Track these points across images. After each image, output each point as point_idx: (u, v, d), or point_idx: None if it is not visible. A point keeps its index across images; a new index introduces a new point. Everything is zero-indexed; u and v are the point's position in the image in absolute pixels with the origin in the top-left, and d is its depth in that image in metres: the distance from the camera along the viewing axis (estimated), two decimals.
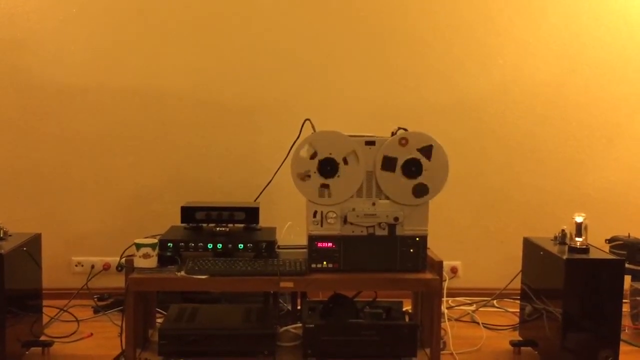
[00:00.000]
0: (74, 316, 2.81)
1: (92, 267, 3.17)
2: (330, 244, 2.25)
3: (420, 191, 2.23)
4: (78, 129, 3.15)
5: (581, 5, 3.24)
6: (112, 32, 3.13)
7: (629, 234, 2.94)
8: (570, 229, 2.38)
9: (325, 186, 2.22)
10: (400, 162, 2.22)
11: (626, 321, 2.66)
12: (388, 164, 2.23)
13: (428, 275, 2.24)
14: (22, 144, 3.14)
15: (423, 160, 2.22)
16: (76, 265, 3.19)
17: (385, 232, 2.25)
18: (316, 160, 2.21)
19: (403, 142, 2.22)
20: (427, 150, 2.22)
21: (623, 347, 2.28)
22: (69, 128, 3.15)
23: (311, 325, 2.27)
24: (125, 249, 2.42)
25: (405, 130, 2.28)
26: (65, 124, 3.15)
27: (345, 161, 2.22)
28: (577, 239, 2.34)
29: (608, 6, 3.25)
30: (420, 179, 2.23)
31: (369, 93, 3.22)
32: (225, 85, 3.19)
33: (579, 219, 2.34)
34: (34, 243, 2.45)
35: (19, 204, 3.12)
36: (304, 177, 2.21)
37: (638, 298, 2.79)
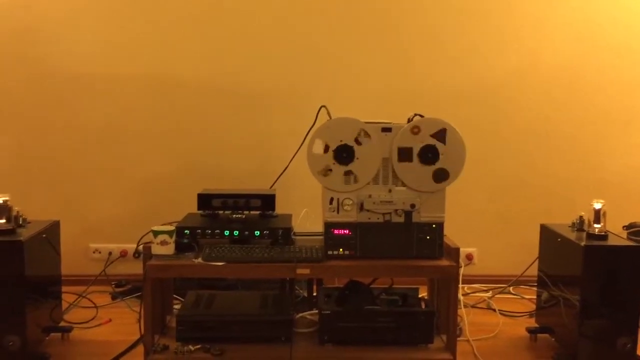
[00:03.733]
0: (93, 302, 2.84)
1: (110, 253, 3.20)
2: (346, 231, 2.25)
3: (440, 176, 2.22)
4: (94, 117, 3.17)
5: None
6: (127, 20, 3.13)
7: None
8: (588, 215, 2.36)
9: (349, 173, 2.22)
10: (416, 151, 2.21)
11: None
12: (404, 154, 2.21)
13: (444, 262, 2.23)
14: (38, 132, 3.16)
15: (438, 145, 2.21)
16: (94, 252, 3.22)
17: (401, 219, 2.24)
18: (330, 153, 2.21)
19: (415, 130, 2.21)
20: (441, 135, 2.20)
21: None
22: (85, 116, 3.17)
23: (327, 312, 2.28)
24: (142, 236, 2.44)
25: (422, 116, 2.26)
26: (81, 112, 3.17)
27: (357, 142, 2.21)
28: (595, 225, 2.32)
29: None
30: (438, 164, 2.21)
31: (385, 79, 3.20)
32: (239, 72, 3.18)
33: (597, 206, 2.33)
34: (52, 230, 2.47)
35: (36, 191, 3.15)
36: (326, 172, 2.21)
37: None
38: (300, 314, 2.56)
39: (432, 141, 2.21)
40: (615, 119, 3.28)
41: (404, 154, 2.21)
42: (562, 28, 3.22)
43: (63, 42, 3.12)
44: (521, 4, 3.19)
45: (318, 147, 2.21)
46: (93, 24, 3.12)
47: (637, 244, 2.32)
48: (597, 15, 3.21)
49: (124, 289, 3.06)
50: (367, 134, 2.21)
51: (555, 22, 3.21)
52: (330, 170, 2.21)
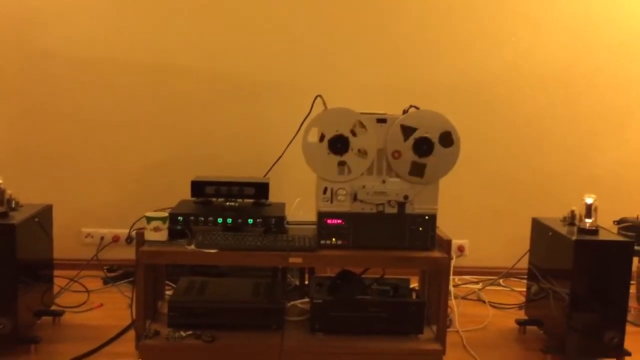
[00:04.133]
0: (84, 287, 2.84)
1: (102, 238, 3.20)
2: (339, 221, 2.26)
3: (447, 141, 2.22)
4: (88, 102, 3.15)
5: None
6: (126, 7, 3.11)
7: (637, 215, 2.94)
8: (579, 210, 2.38)
9: (342, 163, 2.22)
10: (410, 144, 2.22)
11: (632, 302, 2.66)
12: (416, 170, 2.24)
13: (436, 254, 2.24)
14: (33, 116, 3.15)
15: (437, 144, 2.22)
16: (86, 237, 3.22)
17: (394, 210, 2.25)
18: (325, 142, 2.21)
19: (396, 155, 2.22)
20: (445, 138, 2.22)
21: (628, 328, 2.29)
22: (79, 101, 3.15)
23: (319, 301, 2.29)
24: (135, 222, 2.44)
25: (417, 108, 2.27)
26: (76, 97, 3.15)
27: (353, 133, 2.21)
28: (586, 220, 2.34)
29: None
30: (432, 157, 2.23)
31: (380, 71, 3.20)
32: (235, 60, 3.17)
33: (589, 201, 2.34)
34: (45, 214, 2.47)
35: (29, 175, 3.14)
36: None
37: None
38: (292, 303, 2.57)
39: (428, 135, 2.22)
40: (608, 116, 3.30)
41: (416, 170, 2.23)
42: (557, 25, 3.22)
43: (60, 27, 3.10)
44: (517, 0, 3.20)
45: (313, 136, 2.21)
46: (92, 8, 3.10)
47: (627, 239, 2.34)
48: (592, 13, 3.22)
49: (115, 274, 3.06)
50: (362, 125, 2.21)
51: (550, 19, 3.21)
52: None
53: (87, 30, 3.11)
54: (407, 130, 2.22)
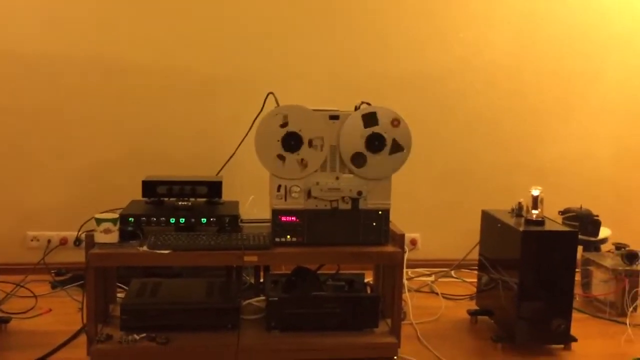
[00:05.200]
0: (32, 292, 2.76)
1: (49, 241, 3.11)
2: (294, 218, 2.26)
3: (396, 148, 2.25)
4: (32, 100, 3.05)
5: None
6: (68, 1, 3.01)
7: (580, 205, 3.05)
8: (526, 202, 2.45)
9: (281, 157, 2.21)
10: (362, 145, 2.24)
11: (577, 290, 2.77)
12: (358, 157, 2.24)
13: (390, 249, 2.27)
14: None
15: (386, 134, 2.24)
16: (32, 240, 3.12)
17: (348, 206, 2.27)
18: (284, 131, 2.20)
19: (395, 123, 2.23)
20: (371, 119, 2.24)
21: (575, 315, 2.38)
22: (22, 98, 3.04)
23: (275, 298, 2.29)
24: (83, 224, 2.38)
25: (369, 104, 2.28)
26: (18, 94, 3.04)
27: (310, 143, 2.21)
28: (533, 211, 2.41)
29: None
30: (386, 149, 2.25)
31: (331, 67, 3.21)
32: (185, 57, 3.12)
33: (535, 193, 2.41)
34: None
35: None
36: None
37: (589, 268, 2.91)
38: (247, 301, 2.55)
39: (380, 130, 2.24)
40: (552, 110, 3.40)
41: (356, 160, 2.24)
42: (504, 20, 3.30)
43: (2, 21, 2.98)
44: None
45: (277, 118, 2.19)
46: (35, 3, 2.99)
47: (572, 229, 2.42)
48: (537, 11, 3.32)
49: (64, 277, 2.97)
50: (322, 142, 2.21)
51: (497, 14, 3.29)
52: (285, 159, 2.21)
53: (30, 25, 3.01)
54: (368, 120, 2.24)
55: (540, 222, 2.39)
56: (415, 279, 3.18)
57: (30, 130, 3.07)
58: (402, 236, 2.28)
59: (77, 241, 3.02)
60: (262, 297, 2.50)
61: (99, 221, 2.17)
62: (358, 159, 2.24)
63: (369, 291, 2.47)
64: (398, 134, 2.24)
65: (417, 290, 3.02)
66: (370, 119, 2.23)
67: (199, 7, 3.10)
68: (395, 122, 2.23)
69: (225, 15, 3.12)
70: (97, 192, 3.07)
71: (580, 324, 2.57)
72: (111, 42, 3.07)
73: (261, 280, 2.66)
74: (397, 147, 2.25)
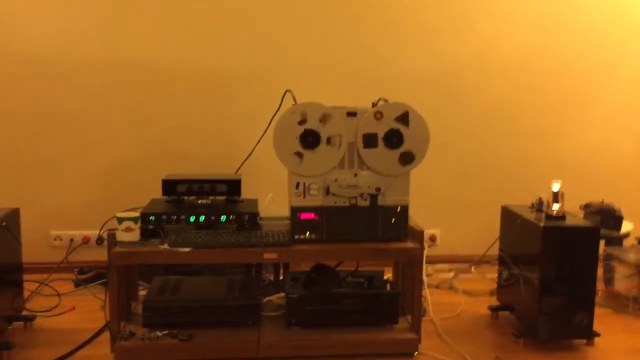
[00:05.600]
0: (55, 290, 2.80)
1: (72, 240, 3.15)
2: (312, 215, 2.27)
3: (407, 159, 2.24)
4: (54, 101, 3.09)
5: None
6: (87, 3, 3.05)
7: (602, 199, 3.01)
8: (546, 196, 2.43)
9: (299, 155, 2.22)
10: (380, 136, 2.23)
11: (599, 285, 2.74)
12: (369, 140, 2.23)
13: (409, 245, 2.27)
14: None
15: (402, 128, 2.23)
16: (55, 239, 3.17)
17: (367, 203, 2.27)
18: (302, 128, 2.21)
19: (378, 115, 2.22)
20: (404, 118, 2.23)
21: (597, 310, 2.35)
22: (45, 100, 3.09)
23: (294, 295, 2.30)
24: (105, 222, 2.40)
25: (386, 101, 2.28)
26: (41, 96, 3.08)
27: (328, 141, 2.22)
28: (553, 206, 2.39)
29: None
30: (403, 148, 2.24)
31: (348, 64, 3.21)
32: (203, 56, 3.14)
33: (555, 187, 2.39)
34: (12, 218, 2.42)
35: None
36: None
37: (611, 262, 2.87)
38: (267, 298, 2.57)
39: (396, 125, 2.23)
40: (573, 102, 3.37)
41: (369, 140, 2.23)
42: (521, 13, 3.27)
43: (21, 25, 3.02)
44: None
45: (298, 116, 2.20)
46: (53, 6, 3.03)
47: (593, 224, 2.40)
48: (554, 2, 3.28)
49: (87, 276, 3.01)
50: (340, 141, 2.22)
51: (514, 6, 3.26)
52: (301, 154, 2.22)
53: (49, 28, 3.05)
54: (369, 138, 2.24)
55: (561, 217, 2.37)
56: (435, 275, 3.17)
57: (52, 132, 3.11)
58: (421, 232, 2.27)
59: (99, 240, 3.03)
60: (282, 294, 2.51)
61: (120, 220, 2.20)
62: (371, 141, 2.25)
63: (388, 288, 2.47)
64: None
65: (437, 287, 3.01)
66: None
67: (215, 6, 3.12)
68: (378, 114, 2.22)
69: (241, 13, 3.13)
70: (118, 191, 3.11)
71: (603, 319, 2.55)
72: (129, 43, 3.10)
73: (281, 277, 2.67)
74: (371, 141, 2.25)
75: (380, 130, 2.23)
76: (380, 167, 2.25)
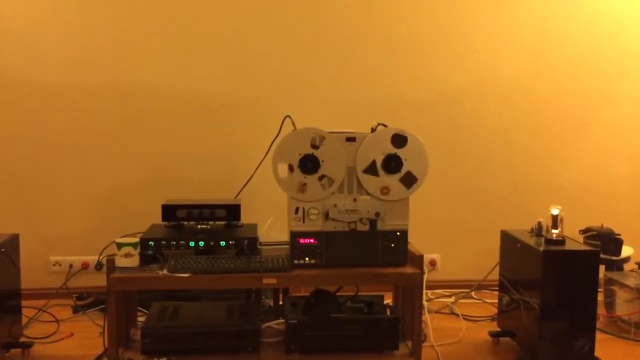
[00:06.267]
0: (54, 316, 2.78)
1: (71, 266, 3.14)
2: (312, 240, 2.27)
3: (409, 181, 2.25)
4: (54, 127, 3.11)
5: (554, 1, 3.30)
6: (87, 30, 3.09)
7: (602, 224, 3.01)
8: (546, 221, 2.43)
9: (323, 177, 2.23)
10: (379, 162, 2.24)
11: (601, 310, 2.72)
12: (369, 169, 2.27)
13: (409, 270, 2.27)
14: None
15: (399, 152, 2.25)
16: (54, 265, 3.16)
17: (366, 228, 2.27)
18: (297, 170, 2.22)
19: (384, 191, 2.25)
20: (400, 141, 2.25)
21: (598, 336, 2.34)
22: (45, 126, 3.10)
23: (294, 321, 2.29)
24: (104, 248, 2.40)
25: (385, 125, 2.30)
26: (41, 122, 3.10)
27: (315, 147, 2.23)
28: (553, 230, 2.39)
29: (580, 2, 3.31)
30: (403, 171, 2.25)
31: (348, 89, 3.23)
32: (202, 82, 3.17)
33: (554, 212, 2.39)
34: (11, 243, 2.41)
35: None
36: (302, 188, 2.22)
37: (611, 287, 2.86)
38: (267, 324, 2.56)
39: (393, 150, 2.25)
40: (571, 127, 3.39)
41: (369, 169, 2.24)
42: (519, 40, 3.31)
43: (23, 51, 3.06)
44: (480, 16, 3.27)
45: (283, 171, 2.22)
46: (54, 33, 3.07)
47: (594, 248, 2.40)
48: (552, 28, 3.32)
49: (85, 302, 3.00)
50: (322, 138, 2.23)
51: (512, 33, 3.30)
52: (305, 184, 2.23)
53: (51, 56, 3.08)
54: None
55: (560, 242, 2.37)
56: (435, 300, 3.15)
57: (52, 158, 3.12)
58: (421, 257, 2.27)
59: (99, 265, 3.05)
60: (282, 320, 2.50)
61: (119, 245, 2.20)
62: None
63: (388, 313, 2.46)
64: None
65: (437, 312, 2.99)
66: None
67: (214, 32, 3.15)
68: (385, 190, 2.26)
69: (241, 40, 3.17)
70: (117, 217, 3.11)
71: (604, 345, 2.53)
72: (129, 70, 3.12)
73: (280, 302, 2.66)
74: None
75: (378, 157, 2.24)
76: (380, 193, 2.26)
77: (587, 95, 3.37)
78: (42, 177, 3.12)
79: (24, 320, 2.64)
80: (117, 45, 3.11)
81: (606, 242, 2.93)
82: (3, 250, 2.31)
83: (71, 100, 3.10)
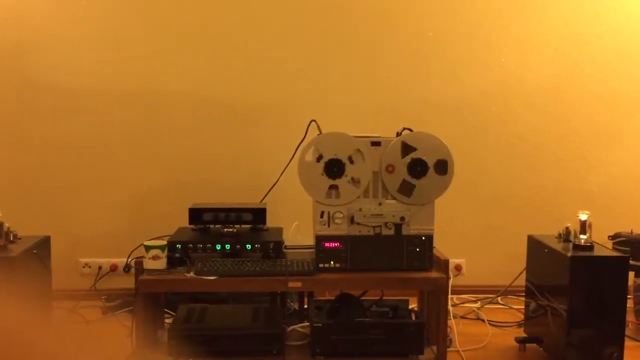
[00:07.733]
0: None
1: (100, 268, 3.19)
2: (337, 244, 2.28)
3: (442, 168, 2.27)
4: (84, 131, 3.17)
5: (581, 4, 3.26)
6: (116, 35, 3.15)
7: (631, 230, 2.96)
8: (574, 226, 2.40)
9: (333, 187, 2.24)
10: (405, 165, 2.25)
11: (630, 317, 2.68)
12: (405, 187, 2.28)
13: (434, 274, 2.26)
14: (28, 146, 3.16)
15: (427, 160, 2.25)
16: (83, 267, 3.21)
17: (391, 232, 2.27)
18: (322, 163, 2.23)
19: (390, 169, 2.25)
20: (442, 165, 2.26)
21: (627, 343, 2.30)
22: (75, 130, 3.17)
23: (319, 324, 2.30)
24: (132, 251, 2.44)
25: (410, 130, 2.30)
26: (72, 126, 3.17)
27: (350, 160, 2.24)
28: (581, 236, 2.36)
29: (608, 4, 3.26)
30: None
31: (373, 93, 3.24)
32: (228, 86, 3.20)
33: (583, 217, 2.37)
34: (43, 245, 2.47)
35: (26, 206, 3.14)
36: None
37: None
38: (292, 327, 2.57)
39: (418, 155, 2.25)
40: (599, 131, 3.34)
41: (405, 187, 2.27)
42: (546, 43, 3.28)
43: (54, 56, 3.13)
44: (507, 19, 3.25)
45: (311, 155, 2.23)
46: (84, 38, 3.13)
47: (623, 254, 2.36)
48: (580, 31, 3.28)
49: (114, 303, 3.04)
50: (360, 153, 2.24)
51: (540, 36, 3.27)
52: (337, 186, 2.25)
53: (82, 61, 3.14)
54: (406, 148, 2.25)
55: (588, 247, 2.34)
56: (460, 305, 3.13)
57: (82, 161, 3.18)
58: (447, 262, 2.27)
59: (127, 267, 3.08)
60: (307, 323, 2.51)
61: (147, 248, 2.24)
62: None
63: (413, 317, 2.45)
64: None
65: (463, 317, 2.97)
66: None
67: (240, 37, 3.19)
68: (390, 167, 2.26)
69: (267, 45, 3.19)
70: (145, 220, 3.15)
71: (633, 352, 2.49)
72: (157, 75, 3.17)
73: (305, 306, 2.67)
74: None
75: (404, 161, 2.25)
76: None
77: (615, 99, 3.32)
78: (72, 180, 3.19)
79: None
80: (147, 51, 3.16)
81: (636, 248, 2.87)
82: (35, 252, 2.36)
83: (100, 104, 3.16)
